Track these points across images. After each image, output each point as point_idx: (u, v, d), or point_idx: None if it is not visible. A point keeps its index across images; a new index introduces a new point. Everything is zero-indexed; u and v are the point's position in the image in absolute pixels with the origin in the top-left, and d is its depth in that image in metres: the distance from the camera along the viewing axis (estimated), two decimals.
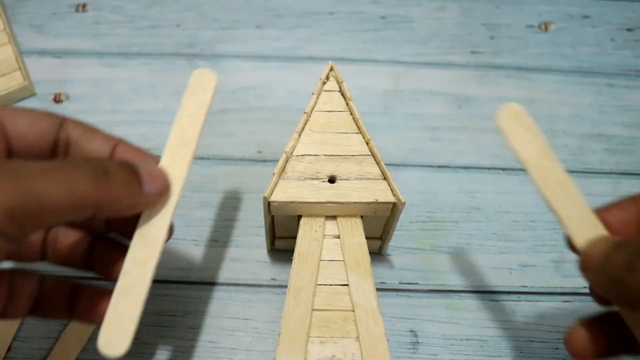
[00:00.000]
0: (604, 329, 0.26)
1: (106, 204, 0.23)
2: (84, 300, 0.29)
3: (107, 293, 0.28)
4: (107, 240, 0.30)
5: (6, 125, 0.25)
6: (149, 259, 0.25)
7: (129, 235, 0.26)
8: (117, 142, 0.28)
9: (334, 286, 0.29)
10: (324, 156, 0.32)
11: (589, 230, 0.25)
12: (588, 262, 0.25)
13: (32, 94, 0.45)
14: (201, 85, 0.28)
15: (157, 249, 0.25)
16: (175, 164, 0.26)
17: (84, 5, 0.50)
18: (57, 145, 0.27)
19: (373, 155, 0.32)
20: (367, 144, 0.32)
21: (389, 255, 0.38)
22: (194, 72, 0.28)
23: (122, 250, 0.27)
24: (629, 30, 0.51)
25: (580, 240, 0.25)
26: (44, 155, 0.26)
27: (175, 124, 0.27)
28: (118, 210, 0.24)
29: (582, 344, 0.26)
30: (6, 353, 0.33)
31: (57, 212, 0.22)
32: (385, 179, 0.31)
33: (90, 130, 0.27)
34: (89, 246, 0.30)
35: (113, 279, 0.27)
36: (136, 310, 0.24)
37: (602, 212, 0.26)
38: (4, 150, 0.25)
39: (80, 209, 0.22)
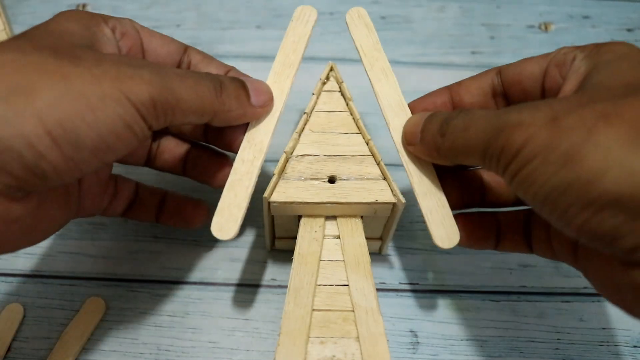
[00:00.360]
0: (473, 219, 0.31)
1: (221, 112, 0.27)
2: (171, 206, 0.35)
3: (191, 201, 0.35)
4: (205, 150, 0.34)
5: (144, 42, 0.30)
6: (256, 159, 0.29)
7: (222, 146, 0.32)
8: (230, 69, 0.32)
9: (334, 286, 0.29)
10: (324, 156, 0.32)
11: (402, 112, 0.31)
12: (409, 138, 0.30)
13: None
14: (303, 18, 0.33)
15: (263, 151, 0.30)
16: (279, 82, 0.32)
17: (83, 6, 0.50)
18: (180, 66, 0.31)
19: (373, 155, 0.32)
20: (367, 144, 0.32)
21: (389, 255, 0.38)
22: (298, 8, 0.33)
23: (218, 159, 0.34)
24: (629, 30, 0.51)
25: (394, 121, 0.31)
26: None
27: (281, 50, 0.32)
28: (229, 119, 0.29)
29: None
30: (6, 353, 0.33)
31: (186, 112, 0.25)
32: (385, 179, 0.31)
33: (208, 57, 0.32)
34: (189, 154, 0.34)
35: (209, 184, 0.34)
36: (244, 201, 0.28)
37: (417, 101, 0.32)
38: None
39: (202, 113, 0.26)
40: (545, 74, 0.28)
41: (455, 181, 0.31)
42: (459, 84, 0.32)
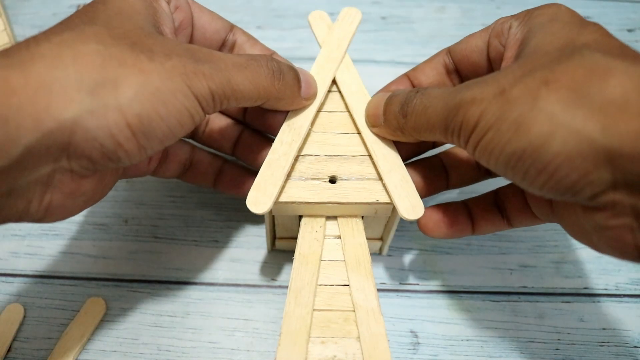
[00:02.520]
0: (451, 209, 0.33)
1: (273, 99, 0.29)
2: (229, 176, 0.36)
3: (248, 173, 0.36)
4: (253, 132, 0.36)
5: (194, 17, 0.31)
6: (294, 142, 0.31)
7: (260, 127, 0.35)
8: (273, 53, 0.34)
9: (334, 286, 0.29)
10: (325, 156, 0.32)
11: (363, 98, 0.33)
12: (372, 120, 0.31)
13: None
14: (349, 18, 0.35)
15: (301, 136, 0.31)
16: (322, 74, 0.33)
17: None
18: (225, 44, 0.33)
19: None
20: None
21: (389, 255, 0.38)
22: (343, 9, 0.36)
23: (264, 141, 0.36)
24: (629, 30, 0.51)
25: (357, 106, 0.32)
26: (213, 49, 0.30)
27: (324, 45, 0.34)
28: (279, 105, 0.31)
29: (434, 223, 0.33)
30: (6, 353, 0.33)
31: (240, 100, 0.27)
32: None
33: (253, 39, 0.34)
34: (237, 133, 0.36)
35: (251, 164, 0.36)
36: (279, 180, 0.30)
37: (380, 91, 0.34)
38: (189, 35, 0.31)
39: (256, 99, 0.28)
40: (488, 46, 0.30)
41: (419, 171, 0.34)
42: (415, 69, 0.34)
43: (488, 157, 0.24)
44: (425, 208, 0.31)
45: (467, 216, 0.33)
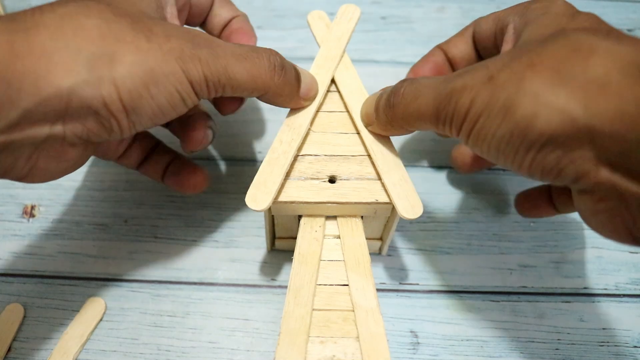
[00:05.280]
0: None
1: (271, 93, 0.29)
2: (174, 167, 0.36)
3: (191, 165, 0.36)
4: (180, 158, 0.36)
5: None
6: (293, 141, 0.31)
7: (180, 136, 0.34)
8: (240, 14, 0.35)
9: (334, 286, 0.29)
10: (324, 156, 0.32)
11: (362, 98, 0.33)
12: (366, 119, 0.32)
13: None
14: (347, 15, 0.35)
15: (301, 134, 0.31)
16: (321, 73, 0.33)
17: None
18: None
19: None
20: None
21: (389, 255, 0.38)
22: (342, 6, 0.35)
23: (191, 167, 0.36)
24: (629, 30, 0.51)
25: (356, 106, 0.32)
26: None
27: (324, 44, 0.34)
28: (277, 101, 0.31)
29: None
30: (6, 353, 0.33)
31: (237, 88, 0.28)
32: None
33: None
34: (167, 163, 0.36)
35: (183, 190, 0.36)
36: (279, 177, 0.30)
37: (418, 64, 0.35)
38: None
39: (252, 90, 0.29)
40: (495, 35, 0.31)
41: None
42: (447, 42, 0.35)
43: (481, 143, 0.24)
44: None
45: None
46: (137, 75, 0.25)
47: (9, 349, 0.33)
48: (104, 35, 0.24)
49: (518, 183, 0.41)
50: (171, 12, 0.30)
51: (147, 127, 0.27)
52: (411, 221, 0.39)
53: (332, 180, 0.31)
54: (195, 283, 0.36)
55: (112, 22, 0.25)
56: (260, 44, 0.48)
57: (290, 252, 0.31)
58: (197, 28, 0.34)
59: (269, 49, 0.30)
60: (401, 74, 0.36)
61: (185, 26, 0.28)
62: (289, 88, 0.30)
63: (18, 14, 0.24)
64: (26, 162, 0.25)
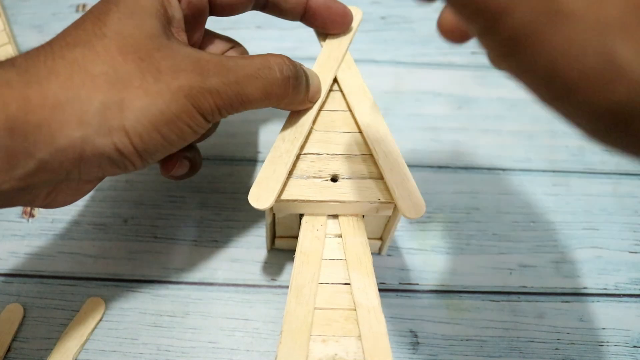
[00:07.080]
0: None
1: (283, 104, 0.30)
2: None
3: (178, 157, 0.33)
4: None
5: None
6: (296, 139, 0.31)
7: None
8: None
9: (335, 285, 0.29)
10: (326, 155, 0.32)
11: (364, 97, 0.33)
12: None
13: None
14: None
15: (303, 132, 0.31)
16: (323, 73, 0.33)
17: (84, 6, 0.50)
18: None
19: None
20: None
21: (389, 255, 0.38)
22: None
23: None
24: None
25: (358, 105, 0.32)
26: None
27: (326, 44, 0.35)
28: (285, 108, 0.31)
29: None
30: (6, 353, 0.33)
31: (249, 106, 0.28)
32: None
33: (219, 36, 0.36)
34: None
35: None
36: (282, 176, 0.30)
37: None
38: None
39: (265, 105, 0.29)
40: None
41: None
42: None
43: None
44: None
45: None
46: (147, 120, 0.25)
47: (9, 349, 0.33)
48: (112, 83, 0.25)
49: (518, 183, 0.41)
50: (177, 26, 0.30)
51: (160, 158, 0.28)
52: (411, 221, 0.39)
53: (334, 179, 0.31)
54: (194, 283, 0.36)
55: (119, 65, 0.25)
56: (260, 43, 0.49)
57: (290, 251, 0.31)
58: None
59: (280, 57, 0.29)
60: (401, 74, 0.36)
61: (193, 50, 0.28)
62: (300, 96, 0.31)
63: (30, 61, 0.25)
64: (45, 198, 0.27)
